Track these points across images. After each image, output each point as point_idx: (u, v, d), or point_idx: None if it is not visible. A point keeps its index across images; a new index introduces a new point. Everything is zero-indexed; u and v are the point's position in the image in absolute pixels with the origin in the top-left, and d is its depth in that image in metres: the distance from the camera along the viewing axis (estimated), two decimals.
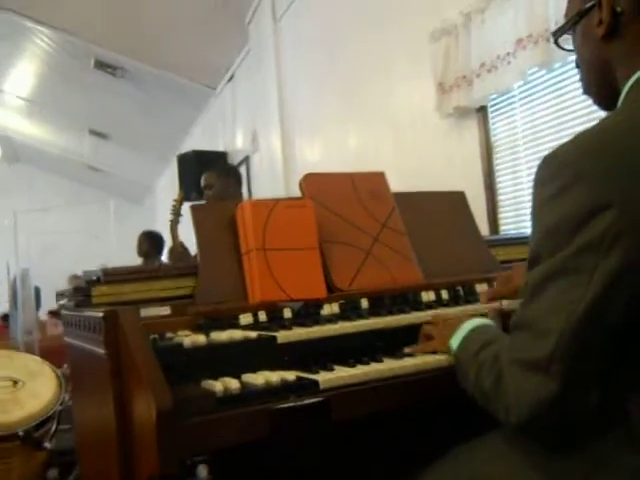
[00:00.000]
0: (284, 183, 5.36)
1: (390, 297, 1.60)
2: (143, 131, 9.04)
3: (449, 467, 1.12)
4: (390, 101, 3.96)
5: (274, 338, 1.33)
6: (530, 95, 2.92)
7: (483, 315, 1.32)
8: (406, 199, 1.85)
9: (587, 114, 2.52)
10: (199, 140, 8.07)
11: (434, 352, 1.33)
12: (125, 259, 4.32)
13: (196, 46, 6.22)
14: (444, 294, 1.66)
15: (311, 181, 1.76)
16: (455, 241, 1.87)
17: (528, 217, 1.24)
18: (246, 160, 6.53)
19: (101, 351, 1.31)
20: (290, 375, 1.20)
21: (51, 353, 2.95)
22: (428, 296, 1.64)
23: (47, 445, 2.08)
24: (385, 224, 1.76)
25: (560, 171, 0.92)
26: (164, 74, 6.84)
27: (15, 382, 2.14)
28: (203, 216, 1.63)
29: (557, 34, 1.17)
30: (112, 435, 1.28)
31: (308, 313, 1.50)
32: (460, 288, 1.70)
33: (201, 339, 1.28)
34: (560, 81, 2.73)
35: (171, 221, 3.13)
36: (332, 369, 1.25)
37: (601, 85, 1.10)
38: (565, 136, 2.58)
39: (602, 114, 1.16)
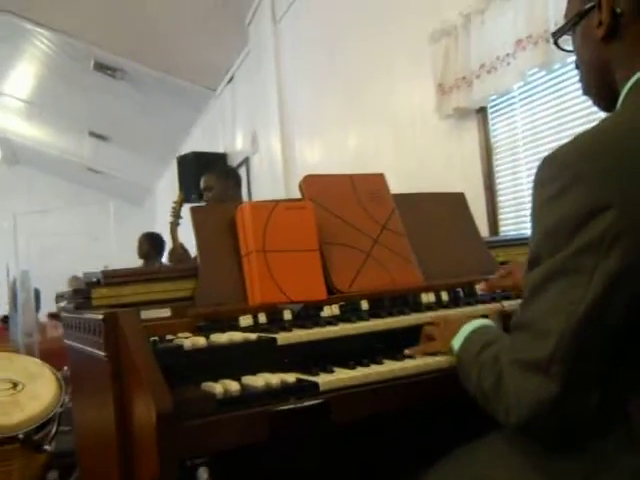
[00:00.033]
0: (284, 184, 5.36)
1: (390, 299, 1.60)
2: (143, 133, 9.04)
3: (450, 468, 1.12)
4: (390, 102, 3.96)
5: (274, 340, 1.33)
6: (530, 96, 2.92)
7: (483, 316, 1.32)
8: (406, 200, 1.86)
9: (587, 115, 2.51)
10: (199, 141, 8.06)
11: (435, 353, 1.33)
12: (125, 261, 4.31)
13: (196, 48, 6.22)
14: (444, 295, 1.66)
15: (311, 182, 1.76)
16: (455, 242, 1.87)
17: (528, 218, 1.25)
18: (246, 161, 6.53)
19: (101, 353, 1.31)
20: (290, 377, 1.20)
21: (51, 355, 2.95)
22: (428, 298, 1.64)
23: (47, 447, 2.07)
24: (385, 226, 1.76)
25: (560, 172, 0.92)
26: (164, 76, 6.84)
27: (15, 384, 2.14)
28: (203, 218, 1.63)
29: (557, 35, 1.17)
30: (112, 437, 1.28)
31: (308, 315, 1.50)
32: (460, 289, 1.70)
33: (201, 341, 1.28)
34: (560, 82, 2.73)
35: (171, 223, 3.13)
36: (332, 371, 1.25)
37: (601, 86, 1.10)
38: (565, 137, 2.58)
39: (602, 115, 1.16)
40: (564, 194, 0.90)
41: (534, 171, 0.98)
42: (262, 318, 1.46)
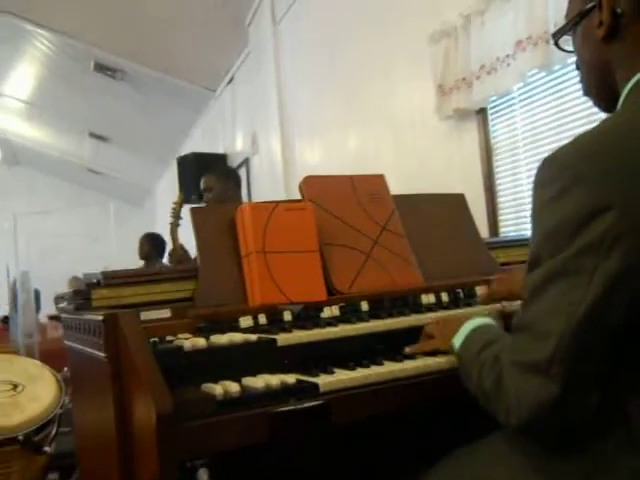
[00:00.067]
0: (284, 185, 5.36)
1: (390, 300, 1.60)
2: (143, 133, 9.04)
3: (450, 469, 1.12)
4: (390, 103, 3.96)
5: (274, 341, 1.33)
6: (530, 97, 2.92)
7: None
8: (406, 201, 1.85)
9: (587, 116, 2.51)
10: (199, 142, 8.07)
11: (435, 351, 1.32)
12: (125, 262, 4.31)
13: (196, 48, 6.23)
14: (444, 296, 1.66)
15: (311, 183, 1.76)
16: (455, 243, 1.87)
17: (528, 219, 1.24)
18: (246, 162, 6.53)
19: (101, 354, 1.31)
20: (290, 378, 1.20)
21: (51, 356, 2.95)
22: (428, 299, 1.64)
23: (47, 449, 2.07)
24: (385, 227, 1.76)
25: (560, 173, 0.92)
26: (164, 76, 6.84)
27: (15, 386, 2.13)
28: (203, 219, 1.63)
29: (557, 35, 1.17)
30: (112, 438, 1.28)
31: (308, 316, 1.49)
32: (460, 290, 1.70)
33: (201, 342, 1.28)
34: (560, 83, 2.73)
35: (171, 224, 3.13)
36: (332, 372, 1.25)
37: (601, 87, 1.10)
38: (565, 138, 2.58)
39: (602, 116, 1.16)
40: (564, 195, 0.90)
41: (534, 172, 0.98)
42: (262, 319, 1.45)
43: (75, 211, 10.84)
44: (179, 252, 3.26)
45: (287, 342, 1.34)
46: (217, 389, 1.14)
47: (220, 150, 7.19)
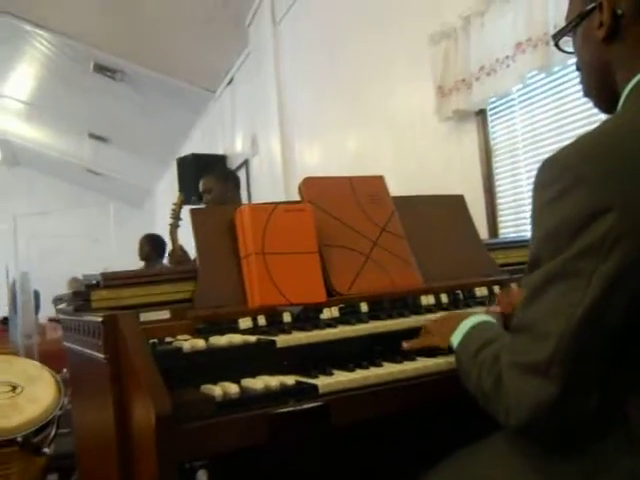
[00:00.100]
0: (284, 187, 5.36)
1: (390, 301, 1.60)
2: (143, 134, 9.05)
3: (450, 470, 1.12)
4: (389, 104, 3.96)
5: (273, 342, 1.32)
6: (529, 98, 2.92)
7: None
8: (405, 203, 1.85)
9: (587, 117, 2.51)
10: (199, 143, 8.07)
11: (433, 348, 1.32)
12: (125, 263, 4.31)
13: (195, 49, 6.23)
14: (443, 298, 1.66)
15: (310, 185, 1.76)
16: (454, 245, 1.87)
17: (528, 220, 1.24)
18: (245, 163, 6.53)
19: (100, 356, 1.31)
20: (289, 379, 1.20)
21: (51, 357, 2.94)
22: (428, 300, 1.64)
23: (46, 450, 2.07)
24: (384, 228, 1.76)
25: (560, 174, 0.92)
26: (163, 77, 6.84)
27: (14, 387, 2.13)
28: (202, 220, 1.63)
29: (558, 36, 1.17)
30: (111, 440, 1.28)
31: (307, 317, 1.49)
32: (459, 292, 1.70)
33: (200, 343, 1.28)
34: (559, 84, 2.73)
35: (171, 225, 3.13)
36: (331, 373, 1.25)
37: (601, 88, 1.10)
38: (565, 139, 2.58)
39: (602, 117, 1.16)
40: (565, 196, 0.90)
41: (534, 173, 0.98)
42: (261, 320, 1.45)
43: (75, 212, 10.84)
44: (179, 253, 3.26)
45: (286, 343, 1.34)
46: (216, 390, 1.14)
47: (220, 151, 7.20)
